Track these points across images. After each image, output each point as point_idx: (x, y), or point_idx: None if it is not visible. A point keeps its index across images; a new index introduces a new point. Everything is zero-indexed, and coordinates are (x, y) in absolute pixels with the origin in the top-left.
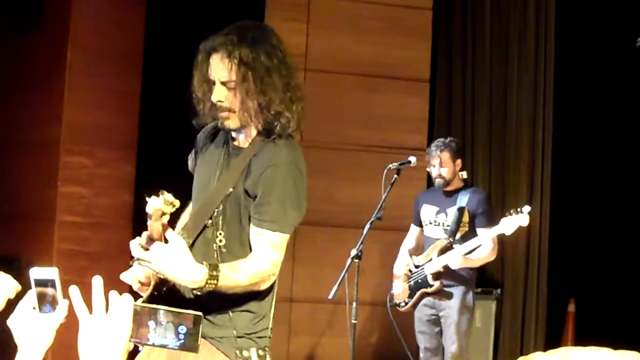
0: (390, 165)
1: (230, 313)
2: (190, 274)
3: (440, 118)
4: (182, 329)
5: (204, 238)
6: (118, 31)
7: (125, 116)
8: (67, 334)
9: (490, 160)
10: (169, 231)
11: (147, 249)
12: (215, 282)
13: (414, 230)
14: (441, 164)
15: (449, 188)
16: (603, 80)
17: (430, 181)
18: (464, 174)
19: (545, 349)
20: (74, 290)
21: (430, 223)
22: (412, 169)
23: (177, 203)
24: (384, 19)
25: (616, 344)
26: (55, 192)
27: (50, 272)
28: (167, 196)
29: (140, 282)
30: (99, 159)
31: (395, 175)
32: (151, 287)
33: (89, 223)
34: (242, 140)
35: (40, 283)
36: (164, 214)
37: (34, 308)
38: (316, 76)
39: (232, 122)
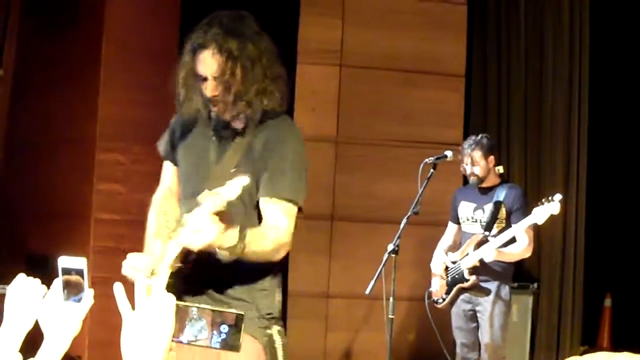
0: (427, 160)
1: (249, 292)
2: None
3: (476, 112)
4: (224, 328)
5: None
6: (152, 27)
7: (160, 112)
8: (104, 331)
9: (526, 154)
10: None
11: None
12: (244, 242)
13: (451, 227)
14: (473, 163)
15: (486, 185)
16: (639, 69)
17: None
18: (500, 169)
19: (581, 344)
20: (117, 287)
21: (468, 220)
22: (448, 164)
23: None
24: (419, 14)
25: None
26: (91, 189)
27: (78, 262)
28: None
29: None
30: (135, 156)
31: (432, 170)
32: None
33: (125, 220)
34: (235, 125)
35: (68, 272)
36: None
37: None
38: (351, 72)
39: (227, 113)
